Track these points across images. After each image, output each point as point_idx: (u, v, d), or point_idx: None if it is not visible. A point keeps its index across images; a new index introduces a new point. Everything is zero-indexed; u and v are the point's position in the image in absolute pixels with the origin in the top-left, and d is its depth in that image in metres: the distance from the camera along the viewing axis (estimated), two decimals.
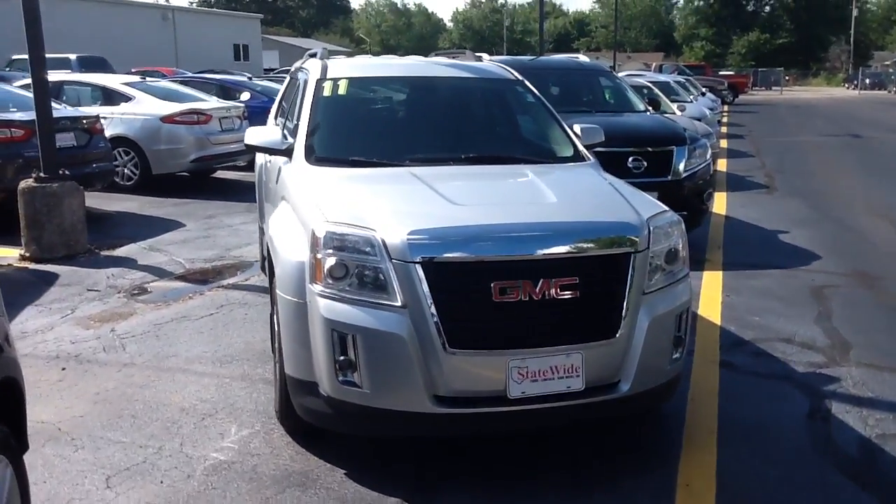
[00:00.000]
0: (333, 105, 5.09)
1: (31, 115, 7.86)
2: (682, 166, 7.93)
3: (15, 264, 7.43)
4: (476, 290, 3.37)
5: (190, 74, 21.77)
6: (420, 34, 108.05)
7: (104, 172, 9.98)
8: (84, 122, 9.77)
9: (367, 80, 5.65)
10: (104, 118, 10.96)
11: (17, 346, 5.15)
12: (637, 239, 3.63)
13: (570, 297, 3.44)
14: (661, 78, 20.33)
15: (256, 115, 12.48)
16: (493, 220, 3.63)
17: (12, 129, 8.64)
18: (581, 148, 4.98)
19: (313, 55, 5.88)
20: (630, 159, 7.73)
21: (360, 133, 5.02)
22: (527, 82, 5.55)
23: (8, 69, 23.77)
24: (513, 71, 5.67)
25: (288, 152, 4.67)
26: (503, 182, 4.44)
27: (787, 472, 3.77)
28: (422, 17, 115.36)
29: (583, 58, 11.66)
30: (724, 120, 27.41)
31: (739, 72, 63.18)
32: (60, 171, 7.77)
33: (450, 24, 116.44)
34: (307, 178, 4.29)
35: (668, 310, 3.72)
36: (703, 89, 24.01)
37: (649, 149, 7.93)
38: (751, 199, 11.69)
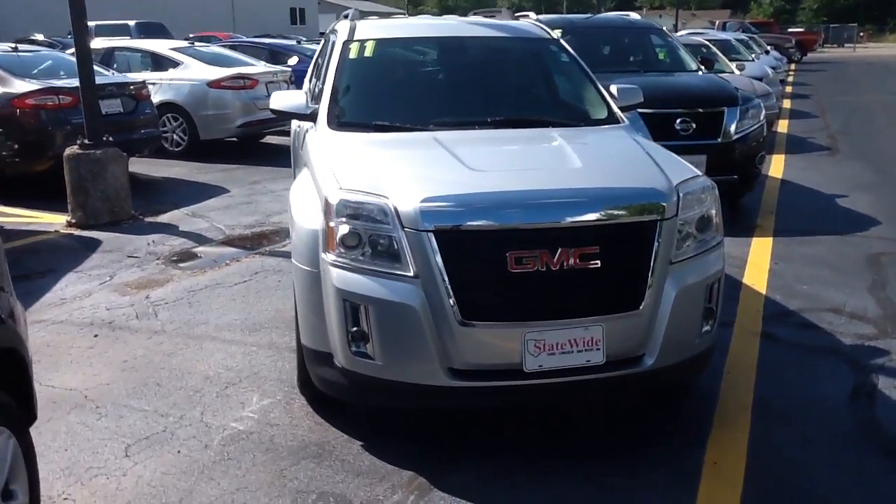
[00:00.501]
0: (359, 68, 4.95)
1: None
2: (732, 128, 7.60)
3: (61, 231, 7.55)
4: (490, 260, 3.24)
5: (244, 39, 21.83)
6: None
7: (150, 139, 10.03)
8: (131, 88, 9.81)
9: (395, 42, 5.47)
10: (153, 84, 11.03)
11: (54, 312, 5.31)
12: (664, 205, 3.43)
13: (590, 267, 3.27)
14: (722, 36, 19.64)
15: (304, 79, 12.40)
16: (509, 186, 3.47)
17: (60, 96, 8.70)
18: (616, 110, 4.76)
19: (346, 16, 5.75)
20: (678, 121, 7.44)
21: (384, 96, 4.88)
22: (562, 41, 5.33)
23: (69, 36, 24.13)
24: (548, 29, 5.45)
25: (312, 117, 4.57)
26: (528, 147, 4.27)
27: (823, 453, 3.58)
28: None
29: (633, 15, 11.27)
30: (790, 79, 26.45)
31: (810, 28, 60.79)
32: (104, 138, 7.83)
33: None
34: (328, 144, 4.18)
35: (698, 280, 3.53)
36: (768, 47, 23.18)
37: (699, 110, 7.62)
38: (811, 161, 11.21)
